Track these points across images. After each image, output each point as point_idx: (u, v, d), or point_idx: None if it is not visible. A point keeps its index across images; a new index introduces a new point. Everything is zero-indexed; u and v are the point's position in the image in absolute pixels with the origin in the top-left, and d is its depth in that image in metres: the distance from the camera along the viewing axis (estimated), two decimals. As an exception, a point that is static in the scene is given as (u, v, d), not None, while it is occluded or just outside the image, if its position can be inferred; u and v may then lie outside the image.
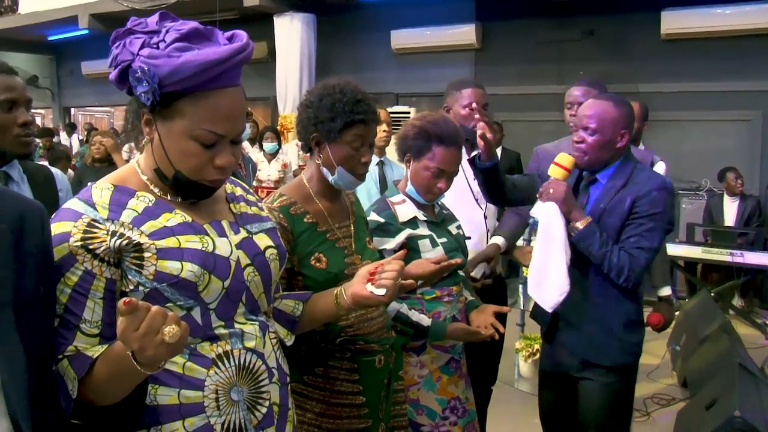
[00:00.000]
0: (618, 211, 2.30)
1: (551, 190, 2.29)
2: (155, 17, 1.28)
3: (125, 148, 7.13)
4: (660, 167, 3.84)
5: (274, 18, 8.93)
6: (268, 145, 6.80)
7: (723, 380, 3.33)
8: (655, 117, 4.34)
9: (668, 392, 4.51)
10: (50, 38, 12.61)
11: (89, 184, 1.35)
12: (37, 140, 7.59)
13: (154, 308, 1.05)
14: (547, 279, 2.30)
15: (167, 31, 1.24)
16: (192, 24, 1.26)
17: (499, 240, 2.64)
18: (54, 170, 2.19)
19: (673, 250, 6.20)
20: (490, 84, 8.58)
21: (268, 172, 6.87)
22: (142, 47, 1.23)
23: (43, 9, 11.00)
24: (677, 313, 5.84)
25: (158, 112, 1.27)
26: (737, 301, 6.60)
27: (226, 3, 8.75)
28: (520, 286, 5.10)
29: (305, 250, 1.84)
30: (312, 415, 1.85)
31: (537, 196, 2.35)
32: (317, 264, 1.84)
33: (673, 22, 7.20)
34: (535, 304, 2.50)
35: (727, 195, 6.75)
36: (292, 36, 8.85)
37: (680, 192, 7.15)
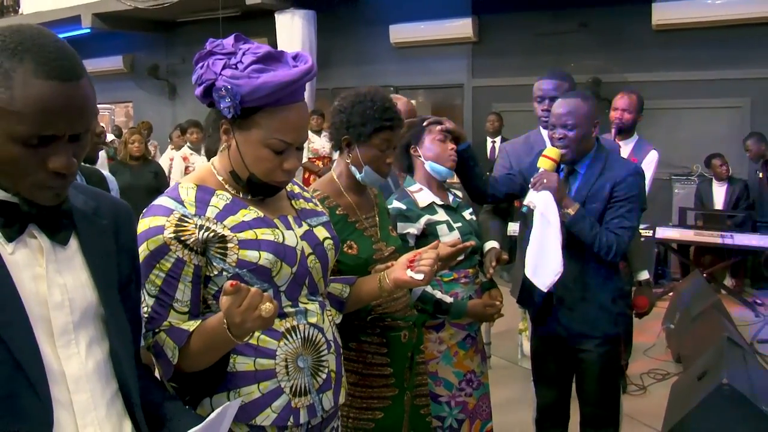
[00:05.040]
0: (600, 197, 2.57)
1: (544, 180, 2.52)
2: (230, 39, 1.49)
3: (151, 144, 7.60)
4: (652, 156, 4.01)
5: (276, 14, 9.07)
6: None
7: (713, 353, 3.53)
8: (649, 105, 4.50)
9: (663, 368, 4.76)
10: (52, 37, 12.71)
11: (176, 182, 1.57)
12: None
13: (253, 289, 1.28)
14: (544, 261, 2.54)
15: (243, 53, 1.46)
16: (265, 48, 1.48)
17: (494, 244, 2.80)
18: (105, 173, 2.42)
19: (666, 233, 6.39)
20: (488, 75, 8.89)
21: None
22: (224, 68, 1.45)
23: (45, 9, 11.14)
24: (671, 294, 6.07)
25: (237, 123, 1.49)
26: (728, 282, 6.81)
27: (228, 0, 8.89)
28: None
29: (338, 238, 2.07)
30: (347, 385, 2.09)
31: (530, 186, 2.58)
32: (349, 251, 2.07)
33: (664, 12, 7.40)
34: (522, 290, 2.77)
35: (715, 180, 6.95)
36: (293, 32, 8.99)
37: (673, 177, 7.34)
